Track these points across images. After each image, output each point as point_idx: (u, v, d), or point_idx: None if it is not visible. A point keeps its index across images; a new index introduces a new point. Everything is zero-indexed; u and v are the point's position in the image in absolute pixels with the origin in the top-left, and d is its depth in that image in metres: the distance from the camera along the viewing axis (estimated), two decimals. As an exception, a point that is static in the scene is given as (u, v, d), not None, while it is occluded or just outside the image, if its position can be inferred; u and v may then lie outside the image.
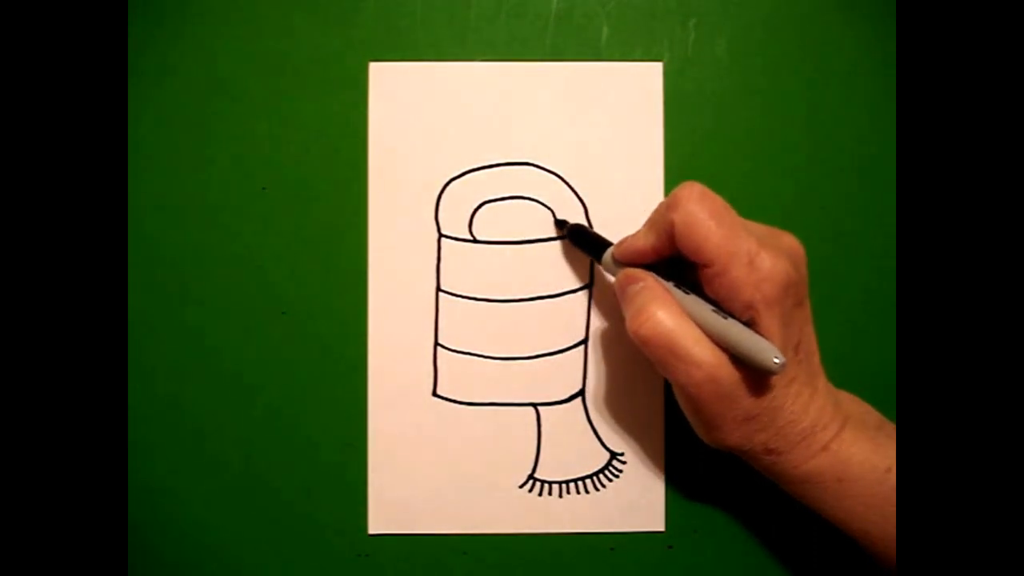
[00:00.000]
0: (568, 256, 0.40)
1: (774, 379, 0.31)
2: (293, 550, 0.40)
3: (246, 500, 0.40)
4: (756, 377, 0.31)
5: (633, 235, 0.35)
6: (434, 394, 0.40)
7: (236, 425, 0.40)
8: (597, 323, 0.40)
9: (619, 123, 0.40)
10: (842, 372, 0.35)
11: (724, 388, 0.31)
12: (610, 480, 0.40)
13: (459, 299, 0.40)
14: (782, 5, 0.40)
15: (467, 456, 0.40)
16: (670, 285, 0.33)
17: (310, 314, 0.40)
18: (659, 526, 0.40)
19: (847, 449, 0.33)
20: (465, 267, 0.40)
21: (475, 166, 0.40)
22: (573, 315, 0.40)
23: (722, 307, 0.32)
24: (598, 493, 0.40)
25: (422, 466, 0.40)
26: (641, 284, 0.33)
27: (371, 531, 0.40)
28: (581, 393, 0.40)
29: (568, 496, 0.40)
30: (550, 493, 0.40)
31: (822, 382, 0.34)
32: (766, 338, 0.30)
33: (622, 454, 0.40)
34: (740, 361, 0.31)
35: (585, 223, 0.40)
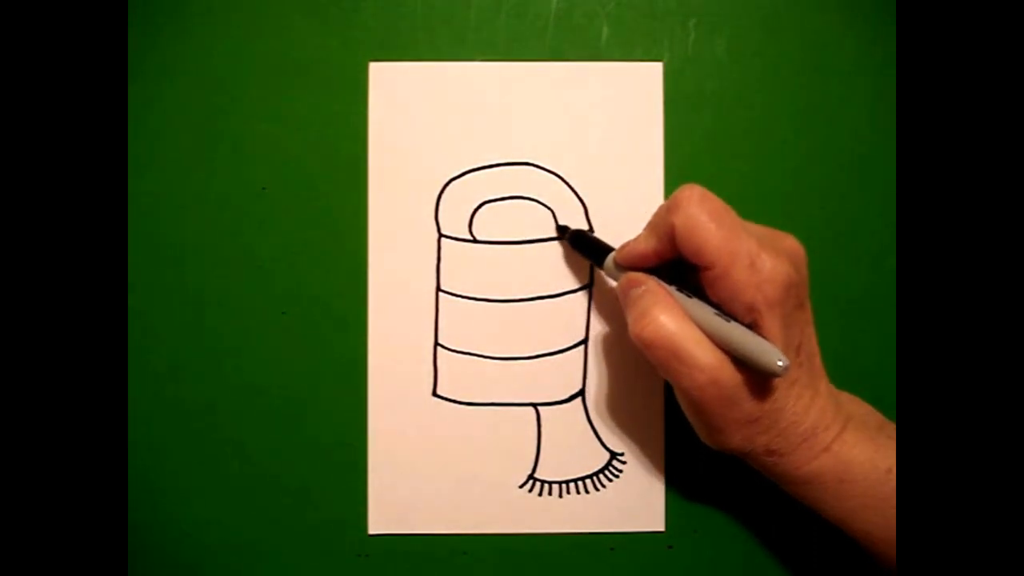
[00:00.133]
0: (568, 256, 0.40)
1: (776, 381, 0.32)
2: (293, 550, 0.40)
3: (246, 500, 0.40)
4: (758, 380, 0.31)
5: (634, 239, 0.35)
6: (434, 394, 0.40)
7: (236, 425, 0.40)
8: (597, 323, 0.40)
9: (619, 123, 0.40)
10: (842, 372, 0.35)
11: (727, 391, 0.31)
12: (610, 480, 0.40)
13: (459, 299, 0.40)
14: (782, 5, 0.40)
15: (467, 456, 0.40)
16: (672, 288, 0.33)
17: (310, 314, 0.40)
18: (659, 526, 0.40)
19: (849, 450, 0.33)
20: (465, 267, 0.40)
21: (475, 166, 0.40)
22: (573, 315, 0.40)
23: (724, 310, 0.32)
24: (598, 493, 0.40)
25: (422, 466, 0.40)
26: (643, 288, 0.33)
27: (371, 531, 0.40)
28: (581, 393, 0.40)
29: (568, 496, 0.40)
30: (550, 493, 0.40)
31: (823, 383, 0.34)
32: (768, 340, 0.30)
33: (622, 454, 0.40)
34: (742, 364, 0.31)
35: (585, 223, 0.40)
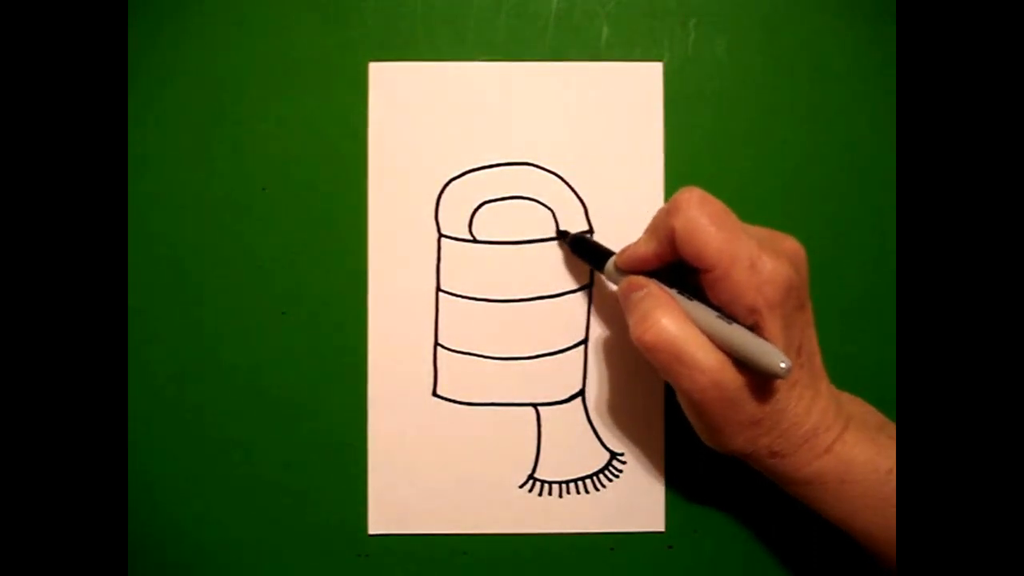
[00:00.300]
0: (568, 257, 0.40)
1: (778, 383, 0.32)
2: (293, 550, 0.40)
3: (246, 500, 0.40)
4: (760, 381, 0.31)
5: (634, 243, 0.35)
6: (434, 394, 0.40)
7: (236, 425, 0.40)
8: (597, 323, 0.40)
9: (619, 123, 0.40)
10: (842, 372, 0.35)
11: (728, 393, 0.31)
12: (610, 480, 0.40)
13: (459, 299, 0.40)
14: (782, 5, 0.40)
15: (467, 456, 0.40)
16: (673, 291, 0.33)
17: (310, 314, 0.40)
18: (659, 526, 0.40)
19: (850, 450, 0.33)
20: (465, 267, 0.40)
21: (475, 166, 0.40)
22: (573, 315, 0.40)
23: (725, 312, 0.32)
24: (598, 493, 0.40)
25: (422, 466, 0.40)
26: (644, 291, 0.33)
27: (371, 531, 0.40)
28: (581, 393, 0.40)
29: (568, 496, 0.40)
30: (550, 493, 0.40)
31: (824, 384, 0.34)
32: (769, 342, 0.30)
33: (622, 454, 0.40)
34: (744, 365, 0.31)
35: (585, 223, 0.40)
